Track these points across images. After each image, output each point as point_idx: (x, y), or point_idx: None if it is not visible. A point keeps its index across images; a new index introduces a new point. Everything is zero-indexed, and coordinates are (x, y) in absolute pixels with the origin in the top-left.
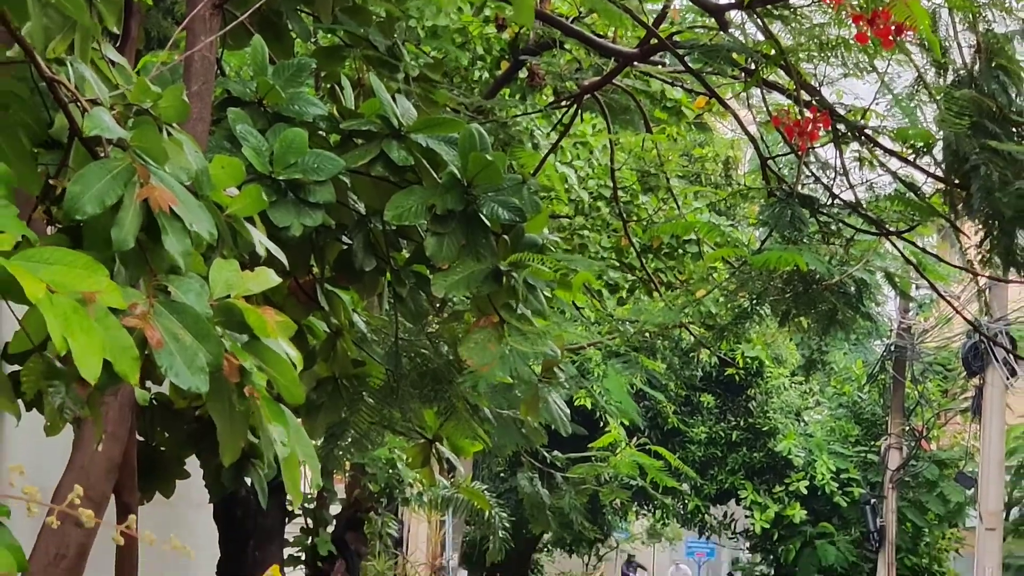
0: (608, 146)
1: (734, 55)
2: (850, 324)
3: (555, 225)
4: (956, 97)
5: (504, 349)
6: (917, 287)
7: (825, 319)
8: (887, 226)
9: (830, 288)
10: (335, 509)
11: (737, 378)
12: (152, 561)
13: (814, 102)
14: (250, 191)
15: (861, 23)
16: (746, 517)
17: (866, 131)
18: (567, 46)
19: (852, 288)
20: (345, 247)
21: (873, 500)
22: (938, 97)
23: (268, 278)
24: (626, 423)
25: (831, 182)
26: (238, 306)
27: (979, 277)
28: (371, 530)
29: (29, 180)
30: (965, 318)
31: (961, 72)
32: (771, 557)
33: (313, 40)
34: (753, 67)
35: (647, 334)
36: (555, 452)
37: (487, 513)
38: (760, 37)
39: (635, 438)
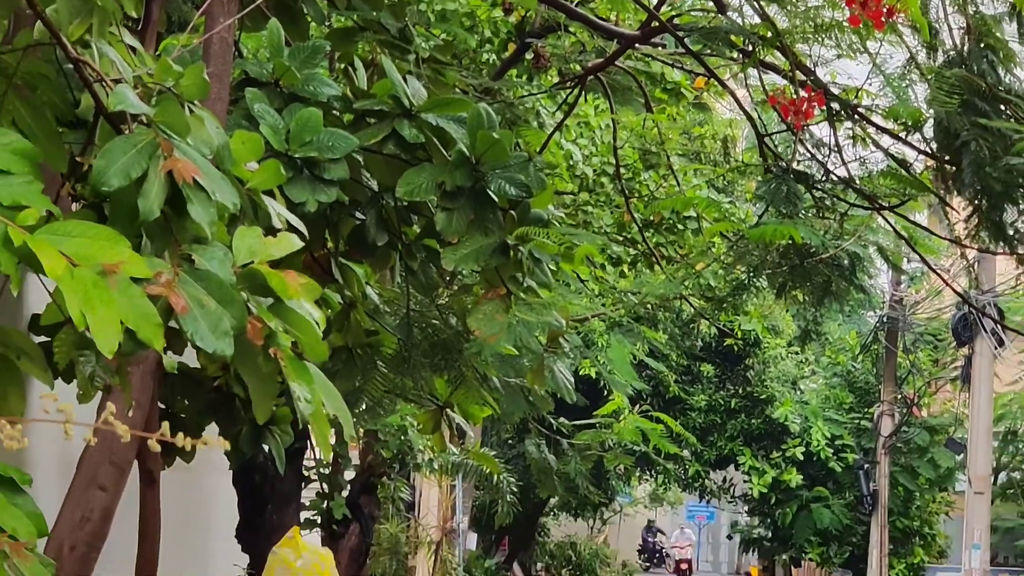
0: (611, 125)
1: (732, 37)
2: (844, 296)
3: (560, 201)
4: (946, 76)
5: (511, 320)
6: (909, 260)
7: (820, 291)
8: (879, 201)
9: (824, 261)
10: (349, 474)
11: (736, 348)
12: (174, 525)
13: (809, 82)
14: (269, 165)
15: (854, 6)
16: (744, 482)
17: (859, 110)
18: (571, 29)
19: (846, 261)
20: (358, 222)
21: (866, 465)
22: (929, 77)
23: (290, 242)
24: (628, 393)
25: (825, 159)
26: (261, 271)
27: (968, 251)
28: (384, 494)
29: (56, 158)
30: (955, 290)
31: (951, 53)
32: (768, 520)
33: (327, 23)
34: (750, 49)
35: (648, 305)
36: (561, 419)
37: (496, 478)
38: (757, 20)
39: (637, 405)
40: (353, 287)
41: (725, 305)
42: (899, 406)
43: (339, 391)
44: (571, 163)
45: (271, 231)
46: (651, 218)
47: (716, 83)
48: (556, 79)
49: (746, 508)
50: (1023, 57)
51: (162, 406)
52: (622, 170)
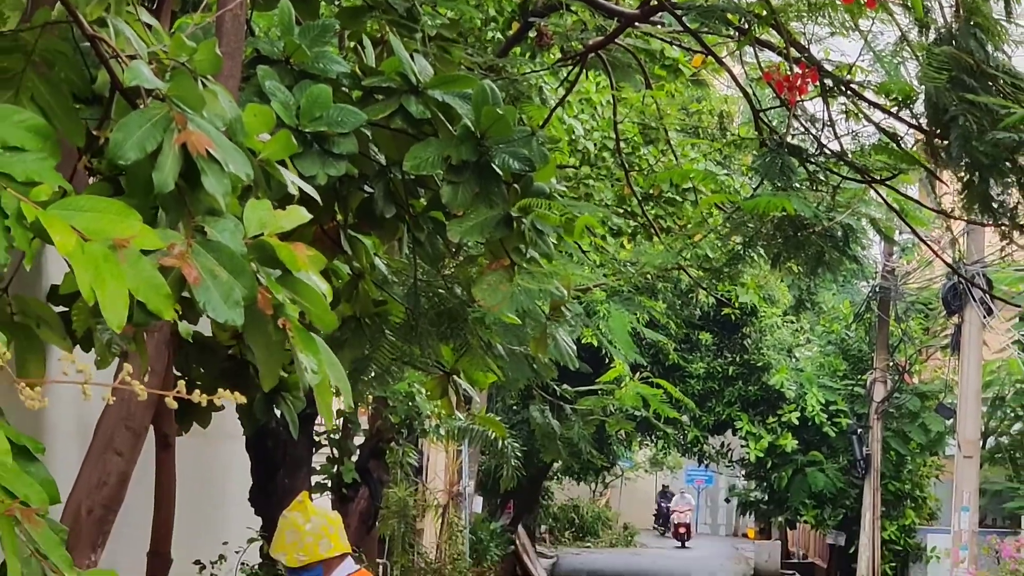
0: (611, 101)
1: (728, 15)
2: (836, 266)
3: (562, 175)
4: (936, 53)
5: (514, 289)
6: (900, 232)
7: (813, 261)
8: (871, 174)
9: (818, 233)
10: (359, 440)
11: (733, 317)
12: (189, 490)
13: (803, 59)
14: (280, 136)
15: None
16: (742, 446)
17: (852, 86)
18: (573, 8)
19: (839, 233)
20: (367, 195)
21: (859, 430)
22: (919, 54)
23: (300, 215)
24: (630, 361)
25: (819, 133)
26: (271, 243)
27: (958, 223)
28: (392, 459)
29: (73, 133)
30: (944, 261)
31: (942, 30)
32: (765, 483)
33: (336, 2)
34: (746, 26)
35: (648, 275)
36: (564, 386)
37: (501, 443)
38: None
39: (638, 373)
40: (362, 258)
41: (722, 275)
42: (891, 373)
43: (348, 359)
44: (573, 138)
45: (286, 200)
46: (650, 191)
47: (713, 60)
48: (558, 57)
49: (743, 472)
50: (1013, 36)
51: (178, 374)
52: (622, 145)
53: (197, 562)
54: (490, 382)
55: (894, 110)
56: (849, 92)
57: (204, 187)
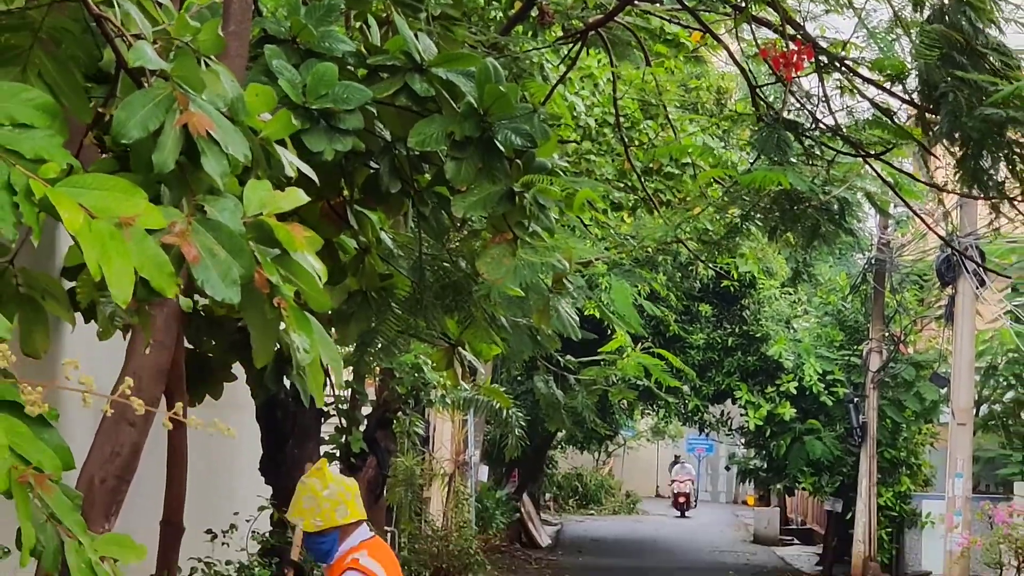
0: (611, 78)
1: None
2: (832, 238)
3: (563, 150)
4: (928, 31)
5: (517, 263)
6: (895, 205)
7: (809, 234)
8: (866, 149)
9: (814, 206)
10: (366, 410)
11: (732, 289)
12: (200, 459)
13: (799, 36)
14: (281, 115)
15: None
16: (741, 415)
17: (846, 62)
18: None
19: (835, 206)
20: (373, 171)
21: (856, 399)
22: (912, 31)
23: (298, 196)
24: (631, 332)
25: (814, 108)
26: (268, 223)
27: (951, 196)
28: (399, 429)
29: (81, 110)
30: (937, 234)
31: (935, 9)
32: (764, 452)
33: None
34: (743, 4)
35: (648, 248)
36: (568, 356)
37: (505, 413)
38: None
39: (640, 343)
40: (368, 233)
41: (720, 248)
42: (887, 343)
43: (355, 331)
44: (574, 114)
45: (285, 180)
46: (650, 165)
47: (711, 38)
48: (559, 35)
49: (743, 440)
50: (1004, 13)
51: (190, 346)
52: (622, 120)
53: (209, 531)
54: (494, 353)
55: (888, 86)
56: (844, 68)
57: (204, 167)
